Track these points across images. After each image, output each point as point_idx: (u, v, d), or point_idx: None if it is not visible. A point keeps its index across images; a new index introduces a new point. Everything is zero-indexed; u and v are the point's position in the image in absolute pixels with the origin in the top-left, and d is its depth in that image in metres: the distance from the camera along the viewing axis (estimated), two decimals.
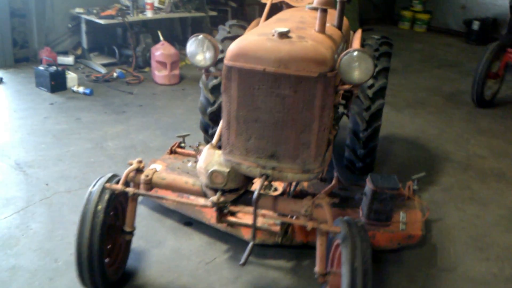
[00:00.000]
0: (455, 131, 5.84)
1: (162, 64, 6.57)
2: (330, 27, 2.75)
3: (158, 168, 3.73)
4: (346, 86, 2.42)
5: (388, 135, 5.46)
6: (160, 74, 6.61)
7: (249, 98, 2.35)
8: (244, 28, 4.12)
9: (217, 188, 2.57)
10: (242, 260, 2.48)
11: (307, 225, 2.46)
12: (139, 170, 2.74)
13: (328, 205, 2.52)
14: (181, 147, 4.17)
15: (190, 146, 3.97)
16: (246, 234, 3.31)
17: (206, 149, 2.65)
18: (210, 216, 3.41)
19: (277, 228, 3.11)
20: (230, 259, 3.27)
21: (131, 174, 2.72)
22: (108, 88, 6.31)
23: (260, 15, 3.84)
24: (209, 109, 4.09)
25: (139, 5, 7.16)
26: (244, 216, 3.25)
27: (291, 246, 3.33)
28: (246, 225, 3.19)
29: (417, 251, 3.49)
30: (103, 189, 2.65)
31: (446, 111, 6.55)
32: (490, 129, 5.98)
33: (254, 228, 2.52)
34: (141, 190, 2.71)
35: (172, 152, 4.11)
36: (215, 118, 4.12)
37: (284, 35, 2.27)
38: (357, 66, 2.28)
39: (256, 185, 2.84)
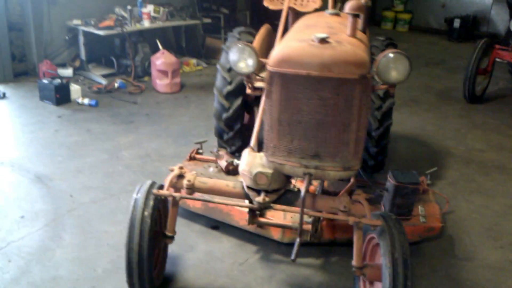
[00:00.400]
0: (452, 127, 6.07)
1: (163, 72, 6.63)
2: (357, 31, 2.89)
3: None
4: (383, 87, 2.57)
5: (390, 133, 5.64)
6: (161, 83, 6.67)
7: (292, 102, 2.45)
8: (252, 35, 4.23)
9: (261, 189, 2.68)
10: (293, 256, 2.59)
11: (348, 220, 2.59)
12: (180, 176, 2.85)
13: (366, 200, 2.67)
14: (199, 153, 4.26)
15: (211, 152, 4.06)
16: (276, 234, 3.43)
17: (246, 152, 2.76)
18: (238, 219, 3.52)
19: (308, 227, 3.23)
20: (262, 259, 3.39)
21: (174, 180, 2.82)
22: (112, 99, 6.36)
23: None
24: (225, 115, 4.16)
25: (135, 15, 7.21)
26: (274, 216, 3.38)
27: (319, 243, 3.45)
28: (278, 225, 3.31)
29: (435, 242, 3.66)
30: (147, 196, 2.74)
31: (440, 107, 6.78)
32: (484, 123, 6.23)
33: (301, 226, 2.62)
34: (186, 195, 2.81)
35: (191, 158, 4.19)
36: (230, 124, 4.21)
37: (324, 41, 2.40)
38: (394, 67, 2.44)
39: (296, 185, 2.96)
